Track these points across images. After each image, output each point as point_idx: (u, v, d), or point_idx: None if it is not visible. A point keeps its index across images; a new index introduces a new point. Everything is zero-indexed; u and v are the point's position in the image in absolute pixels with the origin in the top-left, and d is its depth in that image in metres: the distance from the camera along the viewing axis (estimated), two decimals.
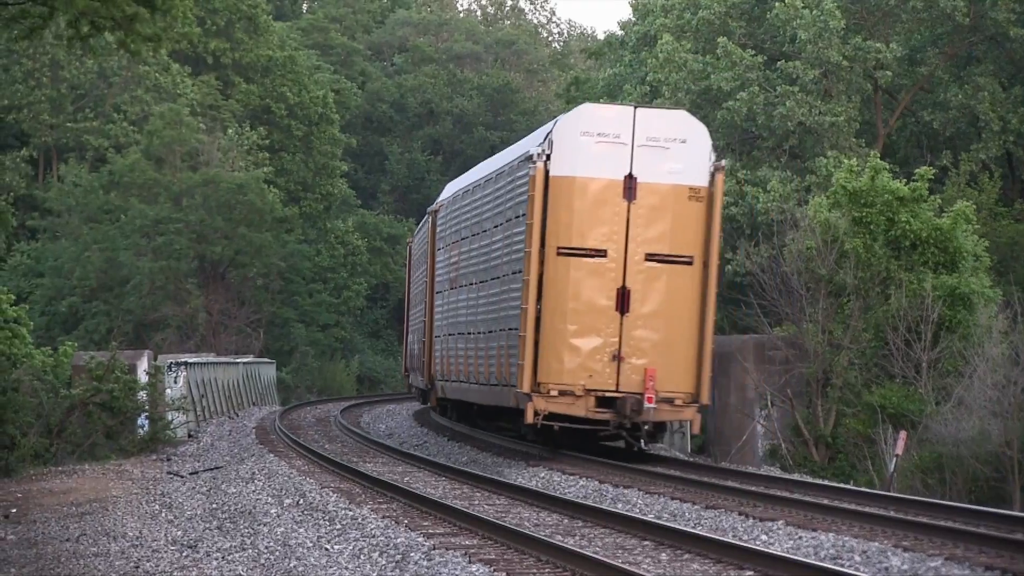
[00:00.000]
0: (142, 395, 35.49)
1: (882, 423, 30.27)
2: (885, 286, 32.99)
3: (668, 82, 44.17)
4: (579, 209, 26.37)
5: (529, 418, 26.45)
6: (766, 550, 16.13)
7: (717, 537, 17.15)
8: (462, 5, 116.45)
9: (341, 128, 77.71)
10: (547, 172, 26.34)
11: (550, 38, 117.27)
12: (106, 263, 59.09)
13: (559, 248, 26.48)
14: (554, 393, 26.35)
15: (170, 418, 36.93)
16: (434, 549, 17.08)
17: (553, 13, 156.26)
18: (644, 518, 19.07)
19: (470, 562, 16.10)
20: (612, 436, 28.12)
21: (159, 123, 61.63)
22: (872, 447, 30.31)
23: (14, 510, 23.55)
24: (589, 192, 26.38)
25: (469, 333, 32.30)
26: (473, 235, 32.42)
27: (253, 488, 25.26)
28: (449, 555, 16.58)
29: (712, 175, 26.56)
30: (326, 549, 17.86)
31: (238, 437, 38.28)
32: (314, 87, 74.13)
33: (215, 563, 17.55)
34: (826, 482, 26.22)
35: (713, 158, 26.63)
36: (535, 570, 15.76)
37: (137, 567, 17.47)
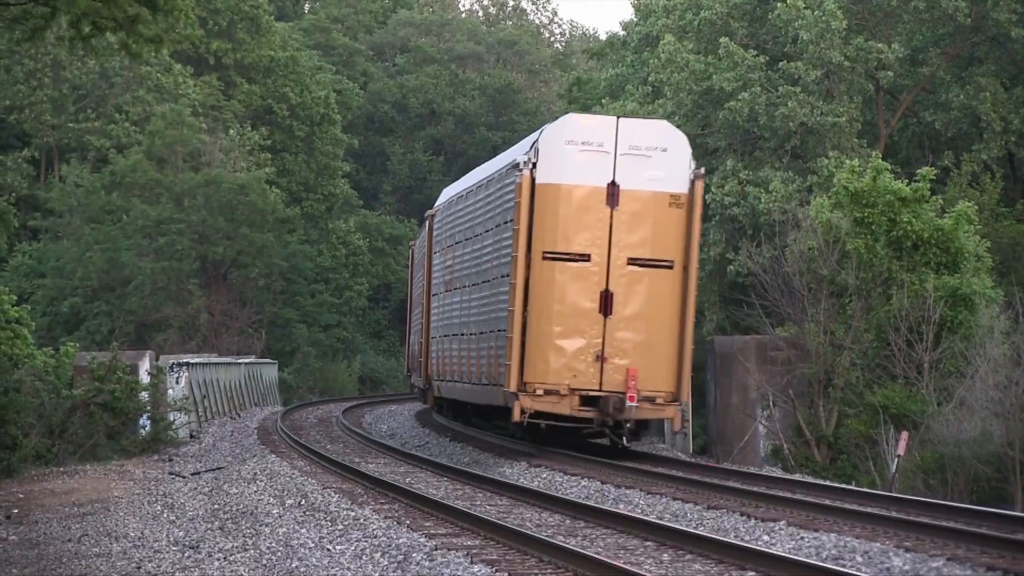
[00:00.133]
0: (144, 395, 35.51)
1: (884, 423, 30.29)
2: (887, 286, 33.02)
3: (670, 82, 44.19)
4: (564, 215, 27.17)
5: (516, 416, 27.28)
6: (768, 550, 16.13)
7: (719, 537, 17.15)
8: (464, 5, 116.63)
9: (343, 128, 77.71)
10: (533, 179, 27.13)
11: (552, 38, 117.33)
12: (108, 263, 59.10)
13: (545, 253, 27.25)
14: (540, 392, 27.17)
15: (172, 418, 36.92)
16: (436, 549, 17.07)
17: (555, 13, 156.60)
18: (646, 518, 19.07)
19: (472, 563, 16.09)
20: (596, 434, 28.77)
21: (161, 123, 61.61)
22: (874, 447, 30.33)
23: (16, 511, 23.55)
24: (574, 199, 27.15)
25: (462, 334, 32.79)
26: (466, 239, 32.95)
27: (255, 488, 25.26)
28: (451, 555, 16.58)
29: (692, 182, 27.27)
30: (328, 549, 17.86)
31: (240, 437, 38.27)
32: (316, 87, 74.10)
33: (217, 564, 17.55)
34: (828, 482, 26.21)
35: (693, 166, 27.37)
36: (537, 571, 15.75)
37: (139, 568, 17.47)
